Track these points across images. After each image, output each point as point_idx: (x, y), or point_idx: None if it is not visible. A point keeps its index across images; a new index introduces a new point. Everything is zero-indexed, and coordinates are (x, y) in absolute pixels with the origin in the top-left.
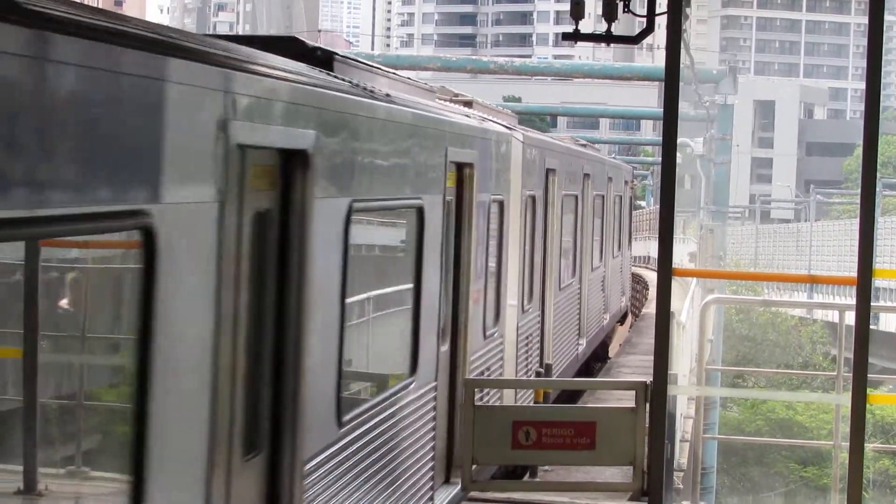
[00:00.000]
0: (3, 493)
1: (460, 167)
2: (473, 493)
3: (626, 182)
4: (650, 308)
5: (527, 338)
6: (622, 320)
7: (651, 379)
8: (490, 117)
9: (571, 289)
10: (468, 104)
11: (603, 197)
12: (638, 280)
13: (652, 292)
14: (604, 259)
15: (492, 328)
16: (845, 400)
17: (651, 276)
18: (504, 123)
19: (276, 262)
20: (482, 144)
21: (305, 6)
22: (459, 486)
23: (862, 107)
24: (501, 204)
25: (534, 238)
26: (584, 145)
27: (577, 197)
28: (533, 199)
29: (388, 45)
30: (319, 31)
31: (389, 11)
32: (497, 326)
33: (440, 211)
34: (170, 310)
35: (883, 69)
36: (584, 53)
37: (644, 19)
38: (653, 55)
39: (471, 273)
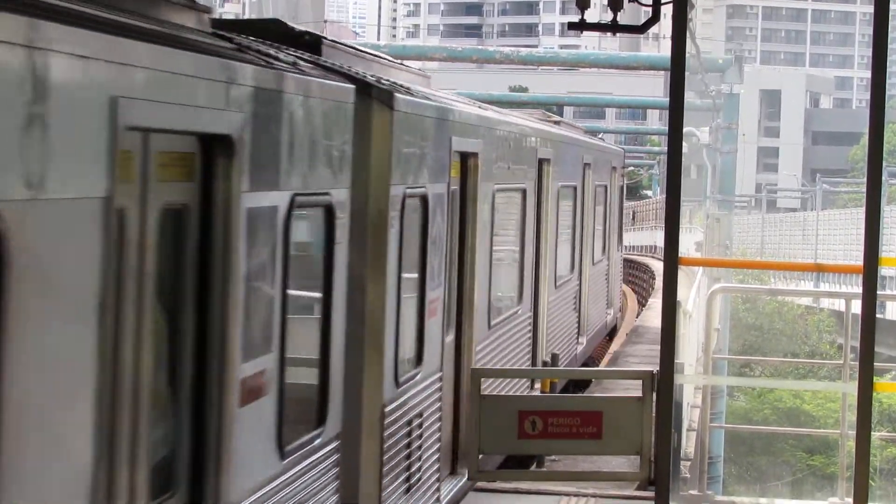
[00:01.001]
0: None
1: (208, 143)
2: (480, 483)
3: (614, 168)
4: (656, 297)
5: (419, 415)
6: (611, 335)
7: (657, 368)
8: (346, 66)
9: (515, 322)
10: (312, 46)
11: (575, 189)
12: (644, 269)
13: (658, 282)
14: (578, 268)
15: (311, 433)
16: (852, 388)
17: (657, 266)
18: (369, 78)
19: None
20: (259, 106)
21: None
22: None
23: (867, 96)
24: (330, 210)
25: (425, 263)
26: (557, 122)
27: (524, 191)
28: (424, 199)
29: (395, 36)
30: (325, 21)
31: (395, 2)
32: (322, 429)
33: (95, 230)
34: None
35: (889, 58)
36: (589, 43)
37: (650, 9)
38: (658, 45)
39: (230, 346)
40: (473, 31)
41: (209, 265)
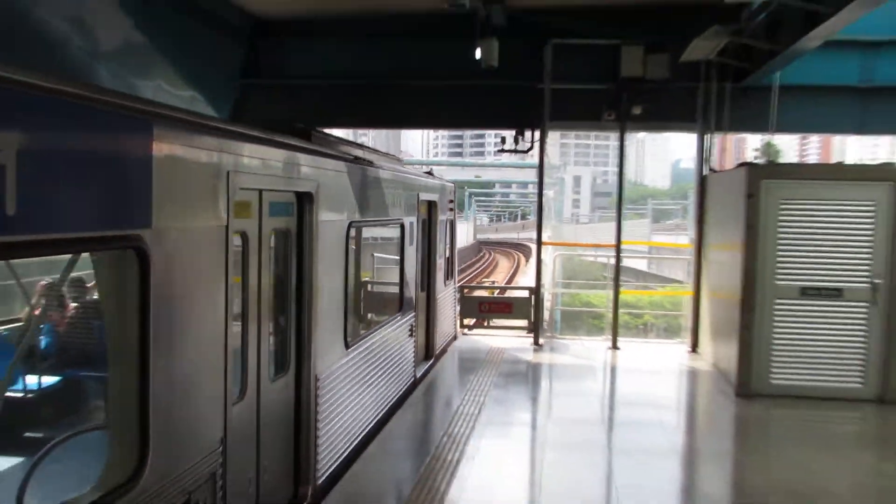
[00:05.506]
0: None
1: None
2: (464, 332)
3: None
4: (533, 258)
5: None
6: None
7: (534, 285)
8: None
9: None
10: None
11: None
12: (526, 249)
13: (534, 251)
14: None
15: None
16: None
17: (533, 245)
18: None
19: None
20: None
21: None
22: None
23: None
24: None
25: None
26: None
27: None
28: None
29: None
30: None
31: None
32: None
33: None
34: None
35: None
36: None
37: (531, 142)
38: (534, 155)
39: None
40: (456, 149)
41: None
